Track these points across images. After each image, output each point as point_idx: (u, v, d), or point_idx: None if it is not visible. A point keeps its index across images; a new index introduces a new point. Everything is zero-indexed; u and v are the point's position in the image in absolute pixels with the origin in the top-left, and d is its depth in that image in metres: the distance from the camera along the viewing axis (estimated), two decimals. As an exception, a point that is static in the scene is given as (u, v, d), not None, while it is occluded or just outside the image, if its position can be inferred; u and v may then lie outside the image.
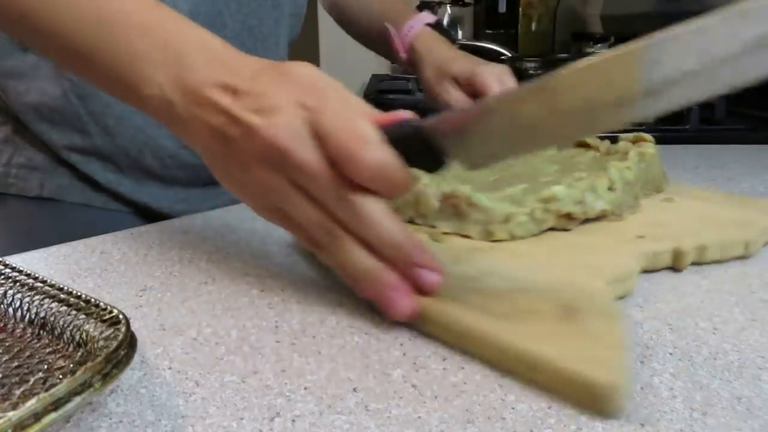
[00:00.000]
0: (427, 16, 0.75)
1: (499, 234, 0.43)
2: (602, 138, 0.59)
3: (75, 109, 0.64)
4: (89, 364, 0.25)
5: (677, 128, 0.88)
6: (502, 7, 1.66)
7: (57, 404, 0.24)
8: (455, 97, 0.67)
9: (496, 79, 0.63)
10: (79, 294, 0.32)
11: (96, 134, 0.65)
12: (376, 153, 0.32)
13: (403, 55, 0.75)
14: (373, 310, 0.37)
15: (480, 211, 0.43)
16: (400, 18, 0.75)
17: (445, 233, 0.45)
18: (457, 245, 0.43)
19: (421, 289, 0.34)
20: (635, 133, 0.57)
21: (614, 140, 0.58)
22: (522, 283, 0.37)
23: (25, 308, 0.32)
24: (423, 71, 0.72)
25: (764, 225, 0.45)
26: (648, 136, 0.57)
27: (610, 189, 0.46)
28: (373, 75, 1.36)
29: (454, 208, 0.44)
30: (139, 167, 0.68)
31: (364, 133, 0.32)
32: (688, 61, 0.28)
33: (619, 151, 0.56)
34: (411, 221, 0.46)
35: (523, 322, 0.32)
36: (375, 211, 0.33)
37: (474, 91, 0.66)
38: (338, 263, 0.35)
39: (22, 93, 0.65)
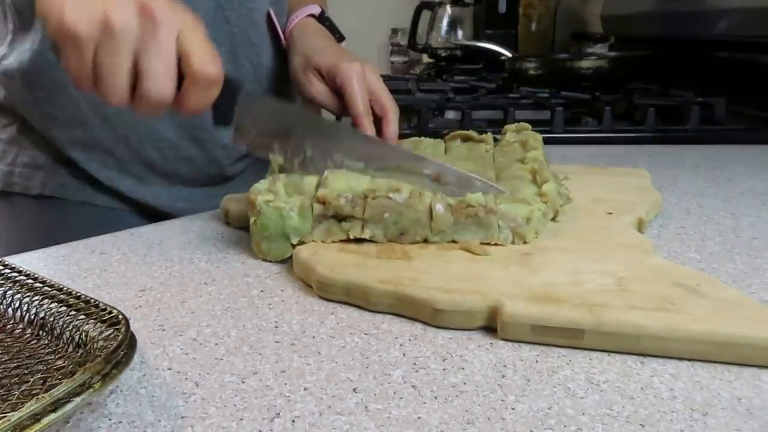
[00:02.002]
0: (313, 8, 0.74)
1: (530, 236, 0.43)
2: (483, 131, 0.62)
3: (75, 101, 0.64)
4: (89, 364, 0.25)
5: (677, 128, 0.88)
6: (502, 7, 1.66)
7: (56, 405, 0.23)
8: (317, 89, 0.65)
9: (357, 76, 0.61)
10: (78, 294, 0.32)
11: (96, 125, 0.65)
12: (217, 68, 0.42)
13: (284, 41, 0.74)
14: (373, 310, 0.37)
15: (501, 216, 0.42)
16: (295, 8, 0.75)
17: (485, 244, 0.43)
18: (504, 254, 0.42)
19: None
20: (517, 123, 0.62)
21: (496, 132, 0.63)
22: (627, 272, 0.38)
23: (25, 309, 0.32)
24: (291, 59, 0.70)
25: (644, 183, 0.56)
26: (528, 125, 0.62)
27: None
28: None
29: (472, 218, 0.42)
30: (140, 161, 0.68)
31: (215, 55, 0.43)
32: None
33: (508, 141, 0.59)
34: (426, 240, 0.43)
35: (676, 312, 0.33)
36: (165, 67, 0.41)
37: (335, 86, 0.63)
38: (104, 60, 0.40)
39: (22, 90, 0.65)
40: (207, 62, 0.42)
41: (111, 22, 0.39)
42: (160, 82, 0.41)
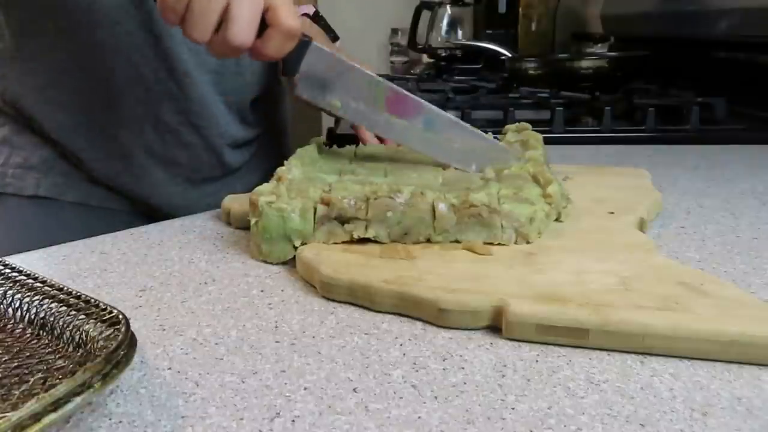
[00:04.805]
0: (307, 7, 0.74)
1: (533, 236, 0.43)
2: (483, 131, 0.61)
3: (77, 83, 0.64)
4: (89, 364, 0.25)
5: (677, 128, 0.88)
6: (502, 7, 1.66)
7: (56, 405, 0.23)
8: None
9: None
10: (78, 294, 0.32)
11: (98, 108, 0.65)
12: (298, 22, 0.47)
13: None
14: (377, 310, 0.37)
15: (504, 216, 0.42)
16: None
17: (488, 244, 0.43)
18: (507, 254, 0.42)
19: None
20: (518, 123, 0.62)
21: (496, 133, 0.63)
22: (630, 272, 0.38)
23: (25, 308, 0.32)
24: None
25: (644, 183, 0.57)
26: (528, 125, 0.61)
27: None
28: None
29: (476, 218, 0.42)
30: (141, 145, 0.68)
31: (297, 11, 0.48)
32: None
33: (509, 141, 0.59)
34: (429, 240, 0.43)
35: (682, 310, 0.33)
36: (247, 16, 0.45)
37: None
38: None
39: (21, 76, 0.65)
40: (291, 16, 0.46)
41: None
42: (244, 28, 0.45)
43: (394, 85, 0.53)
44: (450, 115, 0.53)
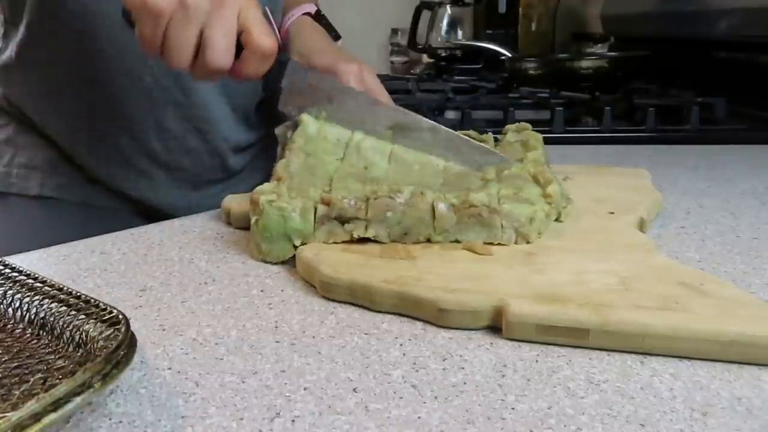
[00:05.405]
0: (308, 6, 0.74)
1: (533, 236, 0.43)
2: (483, 131, 0.61)
3: (78, 92, 0.64)
4: (89, 364, 0.25)
5: (677, 128, 0.88)
6: (502, 7, 1.66)
7: (56, 405, 0.23)
8: None
9: (356, 78, 0.63)
10: (78, 294, 0.32)
11: (99, 116, 0.65)
12: (273, 41, 0.47)
13: (280, 41, 0.74)
14: (377, 310, 0.37)
15: (504, 216, 0.42)
16: (291, 6, 0.75)
17: (488, 244, 0.43)
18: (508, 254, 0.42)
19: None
20: (518, 123, 0.62)
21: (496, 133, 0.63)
22: (629, 272, 0.38)
23: (25, 308, 0.32)
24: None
25: (644, 183, 0.57)
26: (528, 125, 0.61)
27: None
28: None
29: (476, 218, 0.42)
30: (144, 153, 0.68)
31: (271, 31, 0.48)
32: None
33: (509, 141, 0.58)
34: (429, 240, 0.43)
35: (681, 310, 0.33)
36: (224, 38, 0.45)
37: None
38: (175, 31, 0.44)
39: (22, 84, 0.65)
40: (265, 36, 0.46)
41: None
42: (221, 52, 0.45)
43: (383, 101, 0.55)
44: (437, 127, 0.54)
